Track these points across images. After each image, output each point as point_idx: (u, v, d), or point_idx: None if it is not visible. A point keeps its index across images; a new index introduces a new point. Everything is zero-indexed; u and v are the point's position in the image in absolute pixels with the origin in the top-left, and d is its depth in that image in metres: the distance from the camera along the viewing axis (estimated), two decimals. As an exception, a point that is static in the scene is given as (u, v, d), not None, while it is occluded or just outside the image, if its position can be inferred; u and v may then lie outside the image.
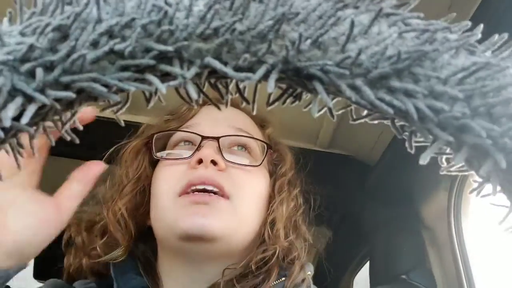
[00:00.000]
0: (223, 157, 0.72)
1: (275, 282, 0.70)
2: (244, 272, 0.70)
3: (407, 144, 0.32)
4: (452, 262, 1.06)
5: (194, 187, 0.68)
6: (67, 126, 0.33)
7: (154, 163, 0.79)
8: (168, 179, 0.72)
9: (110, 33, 0.27)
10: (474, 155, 0.28)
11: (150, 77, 0.28)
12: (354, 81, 0.28)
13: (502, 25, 0.72)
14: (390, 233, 1.28)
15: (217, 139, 0.73)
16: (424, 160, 0.28)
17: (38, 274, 2.11)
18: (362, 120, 0.34)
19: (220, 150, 0.72)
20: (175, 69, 0.28)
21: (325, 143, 1.38)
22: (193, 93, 0.28)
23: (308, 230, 0.82)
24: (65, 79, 0.27)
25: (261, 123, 0.85)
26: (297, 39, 0.27)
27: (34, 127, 0.31)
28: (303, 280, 0.74)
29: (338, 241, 1.60)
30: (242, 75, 0.27)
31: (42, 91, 0.28)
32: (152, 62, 0.27)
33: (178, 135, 0.78)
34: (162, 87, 0.28)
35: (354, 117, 0.34)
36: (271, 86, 0.27)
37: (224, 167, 0.71)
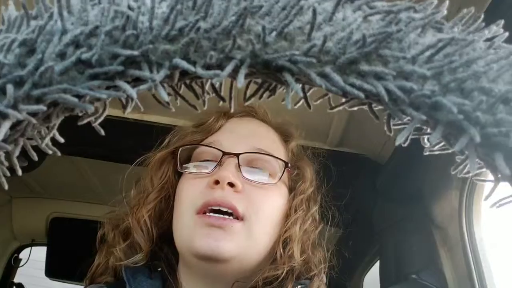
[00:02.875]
0: (242, 174, 0.74)
1: None
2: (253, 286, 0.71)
3: (385, 128, 0.32)
4: (464, 261, 1.05)
5: (210, 207, 0.71)
6: (47, 140, 0.33)
7: (179, 173, 0.82)
8: (189, 194, 0.75)
9: (76, 43, 0.27)
10: (451, 132, 0.28)
11: (120, 83, 0.28)
12: (323, 69, 0.28)
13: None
14: (400, 232, 1.27)
15: (237, 155, 0.75)
16: (399, 140, 0.28)
17: (50, 272, 2.13)
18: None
19: (239, 166, 0.74)
20: (144, 72, 0.28)
21: (335, 142, 1.37)
22: (164, 95, 0.28)
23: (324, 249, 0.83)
24: (36, 92, 0.28)
25: (285, 138, 0.87)
26: (261, 32, 0.27)
27: (13, 144, 0.31)
28: None
29: (348, 240, 1.60)
30: (211, 72, 0.27)
31: (14, 106, 0.28)
32: (120, 68, 0.27)
33: (200, 150, 0.81)
34: (133, 92, 0.28)
35: (333, 105, 0.34)
36: (240, 81, 0.27)
37: (240, 189, 0.72)
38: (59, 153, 0.34)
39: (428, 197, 1.23)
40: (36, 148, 0.34)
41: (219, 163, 0.75)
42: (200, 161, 0.79)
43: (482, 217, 1.07)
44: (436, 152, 0.33)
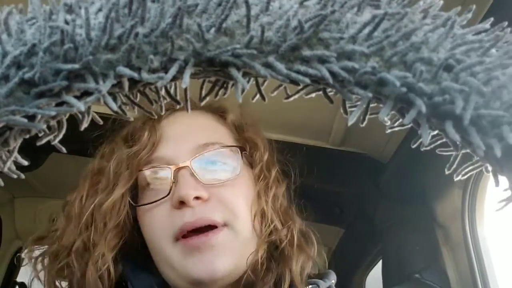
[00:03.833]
0: (201, 181, 0.69)
1: None
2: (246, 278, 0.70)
3: (341, 110, 0.32)
4: (466, 260, 1.05)
5: (189, 232, 0.67)
6: (9, 163, 0.33)
7: (134, 200, 0.74)
8: (157, 225, 0.70)
9: (17, 64, 0.27)
10: (402, 106, 0.28)
11: (67, 98, 0.28)
12: (267, 59, 0.28)
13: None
14: (403, 232, 1.27)
15: (188, 166, 0.70)
16: (351, 120, 0.28)
17: None
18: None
19: (194, 174, 0.69)
20: (89, 84, 0.28)
21: (338, 141, 1.37)
22: (112, 105, 0.28)
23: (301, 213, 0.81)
24: (-15, 118, 0.27)
25: (221, 114, 0.81)
26: (199, 30, 0.27)
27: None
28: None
29: (351, 239, 1.59)
30: (155, 76, 0.27)
31: (-35, 134, 0.28)
32: (64, 83, 0.27)
33: (147, 173, 0.73)
34: (81, 105, 0.28)
35: (288, 94, 0.34)
36: (185, 81, 0.27)
37: (207, 197, 0.68)
38: (22, 176, 0.34)
39: (430, 196, 1.23)
40: (39, 146, 0.34)
41: (174, 180, 0.70)
42: (152, 182, 0.73)
43: (484, 216, 1.07)
44: (396, 129, 0.33)
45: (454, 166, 0.30)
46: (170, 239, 0.68)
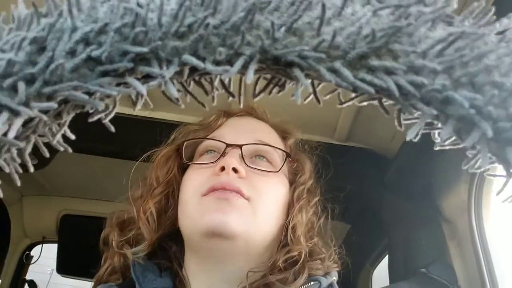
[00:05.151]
0: (245, 163, 0.77)
1: (305, 286, 0.72)
2: (267, 275, 0.72)
3: (396, 123, 0.32)
4: (473, 255, 1.04)
5: (215, 190, 0.73)
6: (58, 137, 0.34)
7: (183, 169, 0.84)
8: (195, 182, 0.77)
9: (86, 40, 0.27)
10: (462, 127, 0.28)
11: (130, 79, 0.28)
12: (333, 64, 0.28)
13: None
14: (409, 226, 1.26)
15: (240, 146, 0.78)
16: (410, 135, 0.28)
17: (61, 269, 2.15)
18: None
19: (242, 157, 0.77)
20: (154, 69, 0.28)
21: (343, 137, 1.38)
22: (174, 92, 0.28)
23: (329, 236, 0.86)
24: (47, 90, 0.28)
25: (283, 135, 0.89)
26: (271, 27, 0.26)
27: (25, 141, 0.31)
28: (330, 285, 0.76)
29: (357, 234, 1.59)
30: (220, 68, 0.27)
31: (26, 104, 0.28)
32: (130, 65, 0.27)
33: (204, 144, 0.83)
34: (142, 89, 0.28)
35: (342, 100, 0.34)
36: (249, 77, 0.27)
37: (244, 175, 0.75)
38: (70, 150, 0.34)
39: (436, 191, 1.22)
40: (45, 145, 0.34)
41: (223, 154, 0.78)
42: (204, 155, 0.82)
43: (491, 211, 1.06)
44: (447, 147, 0.33)
45: (503, 191, 0.30)
46: (199, 195, 0.73)
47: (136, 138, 0.97)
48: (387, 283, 1.33)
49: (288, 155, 0.84)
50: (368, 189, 1.40)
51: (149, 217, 0.79)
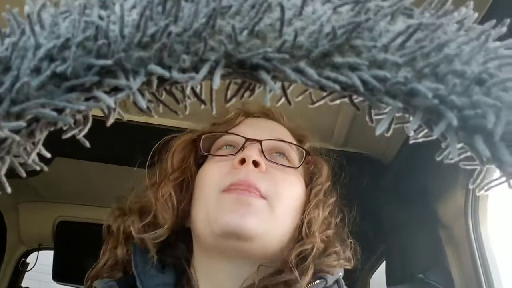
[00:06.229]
0: (265, 157, 0.76)
1: (311, 284, 0.72)
2: (278, 270, 0.72)
3: (367, 118, 0.32)
4: (470, 260, 1.04)
5: (235, 187, 0.72)
6: (33, 155, 0.34)
7: (198, 164, 0.84)
8: (214, 175, 0.76)
9: (50, 57, 0.27)
10: (430, 118, 0.28)
11: (98, 93, 0.28)
12: (297, 64, 0.28)
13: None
14: (406, 232, 1.27)
15: (259, 141, 0.78)
16: (380, 130, 0.28)
17: (57, 276, 2.13)
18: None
19: (262, 151, 0.77)
20: (120, 81, 0.28)
21: (340, 142, 1.37)
22: (141, 102, 0.28)
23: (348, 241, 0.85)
24: (15, 109, 0.28)
25: (300, 138, 0.90)
26: (232, 31, 0.27)
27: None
28: (336, 282, 0.77)
29: (354, 240, 1.59)
30: (186, 76, 0.27)
31: (-5, 124, 0.28)
32: (95, 78, 0.27)
33: (223, 139, 0.83)
34: (111, 102, 0.28)
35: (314, 100, 0.34)
36: (216, 82, 0.27)
37: (264, 169, 0.75)
38: (46, 169, 0.34)
39: (433, 196, 1.22)
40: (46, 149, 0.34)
41: (242, 148, 0.78)
42: (221, 150, 0.82)
43: (488, 216, 1.06)
44: (420, 140, 0.33)
45: (478, 180, 0.30)
46: (219, 190, 0.73)
47: (133, 144, 0.97)
48: (384, 288, 1.34)
49: (307, 153, 0.84)
50: (365, 195, 1.39)
51: (168, 200, 0.78)
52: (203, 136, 0.83)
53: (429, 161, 1.09)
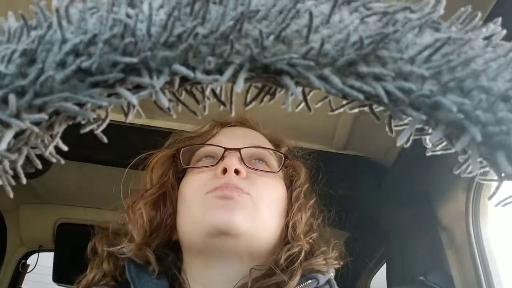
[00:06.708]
0: (245, 164, 0.78)
1: (303, 284, 0.72)
2: (269, 272, 0.73)
3: (387, 128, 0.32)
4: (471, 262, 1.05)
5: (220, 189, 0.73)
6: (51, 148, 0.34)
7: (178, 179, 0.85)
8: (196, 182, 0.78)
9: (75, 52, 0.28)
10: (452, 132, 0.28)
11: (120, 90, 0.28)
12: (322, 71, 0.28)
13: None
14: (407, 235, 1.27)
15: (238, 150, 0.80)
16: (401, 141, 0.28)
17: (58, 278, 2.13)
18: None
19: (242, 159, 0.79)
20: (144, 79, 0.28)
21: (341, 145, 1.38)
22: (164, 101, 0.28)
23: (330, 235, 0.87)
24: (38, 102, 0.28)
25: (276, 143, 0.91)
26: (259, 36, 0.27)
27: (17, 153, 0.31)
28: (328, 282, 0.77)
29: (355, 243, 1.59)
30: (210, 77, 0.27)
31: (17, 116, 0.28)
32: (120, 75, 0.28)
33: (202, 151, 0.84)
34: (133, 99, 0.28)
35: (334, 107, 0.34)
36: (239, 85, 0.27)
37: (245, 176, 0.76)
38: (62, 161, 0.34)
39: (434, 199, 1.22)
40: (39, 157, 0.34)
41: (222, 158, 0.79)
42: (201, 162, 0.83)
43: (489, 218, 1.06)
44: (439, 153, 0.33)
45: (498, 196, 0.30)
46: (202, 193, 0.74)
47: (133, 146, 0.98)
48: (385, 291, 1.33)
49: (286, 156, 0.86)
50: (366, 198, 1.40)
51: (139, 218, 0.79)
52: (182, 150, 0.85)
53: (430, 163, 1.09)
